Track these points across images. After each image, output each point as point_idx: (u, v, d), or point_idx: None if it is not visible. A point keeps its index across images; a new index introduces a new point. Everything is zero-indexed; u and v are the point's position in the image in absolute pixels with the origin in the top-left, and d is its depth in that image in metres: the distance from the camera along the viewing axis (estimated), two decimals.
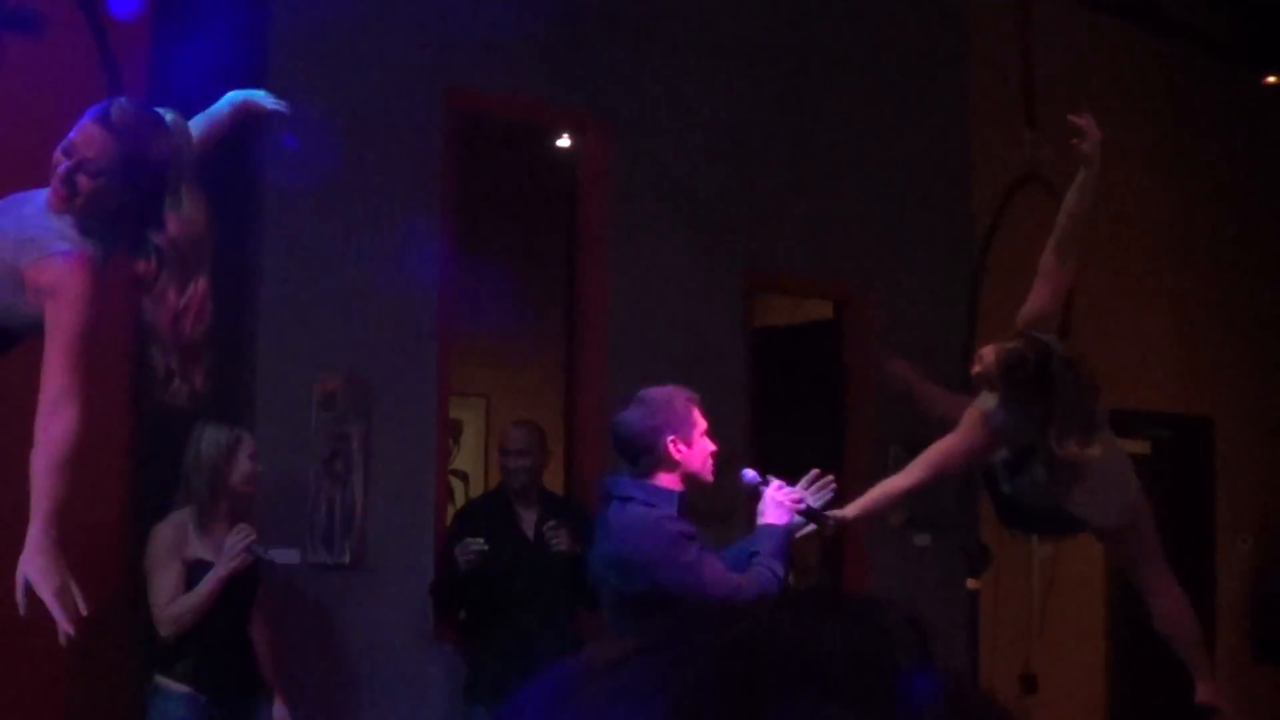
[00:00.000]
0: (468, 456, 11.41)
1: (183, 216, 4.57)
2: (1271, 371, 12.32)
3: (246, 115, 5.20)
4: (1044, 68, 9.99)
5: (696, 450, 5.77)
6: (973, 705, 0.82)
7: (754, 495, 5.94)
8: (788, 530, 5.79)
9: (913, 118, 10.19)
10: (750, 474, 5.97)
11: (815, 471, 6.04)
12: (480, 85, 8.58)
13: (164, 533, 6.75)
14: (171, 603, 6.59)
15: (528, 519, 7.79)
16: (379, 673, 7.92)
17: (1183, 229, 11.97)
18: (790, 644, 0.83)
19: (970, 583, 6.99)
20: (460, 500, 10.61)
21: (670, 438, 5.74)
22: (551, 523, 7.70)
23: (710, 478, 5.89)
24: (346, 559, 7.83)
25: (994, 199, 9.56)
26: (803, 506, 5.85)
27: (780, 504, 5.79)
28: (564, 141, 9.57)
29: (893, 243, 9.85)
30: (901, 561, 9.51)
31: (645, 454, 5.76)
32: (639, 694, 0.81)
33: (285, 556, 7.27)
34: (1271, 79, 12.37)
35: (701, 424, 5.81)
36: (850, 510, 6.50)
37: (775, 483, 5.87)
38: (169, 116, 4.54)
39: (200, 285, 4.71)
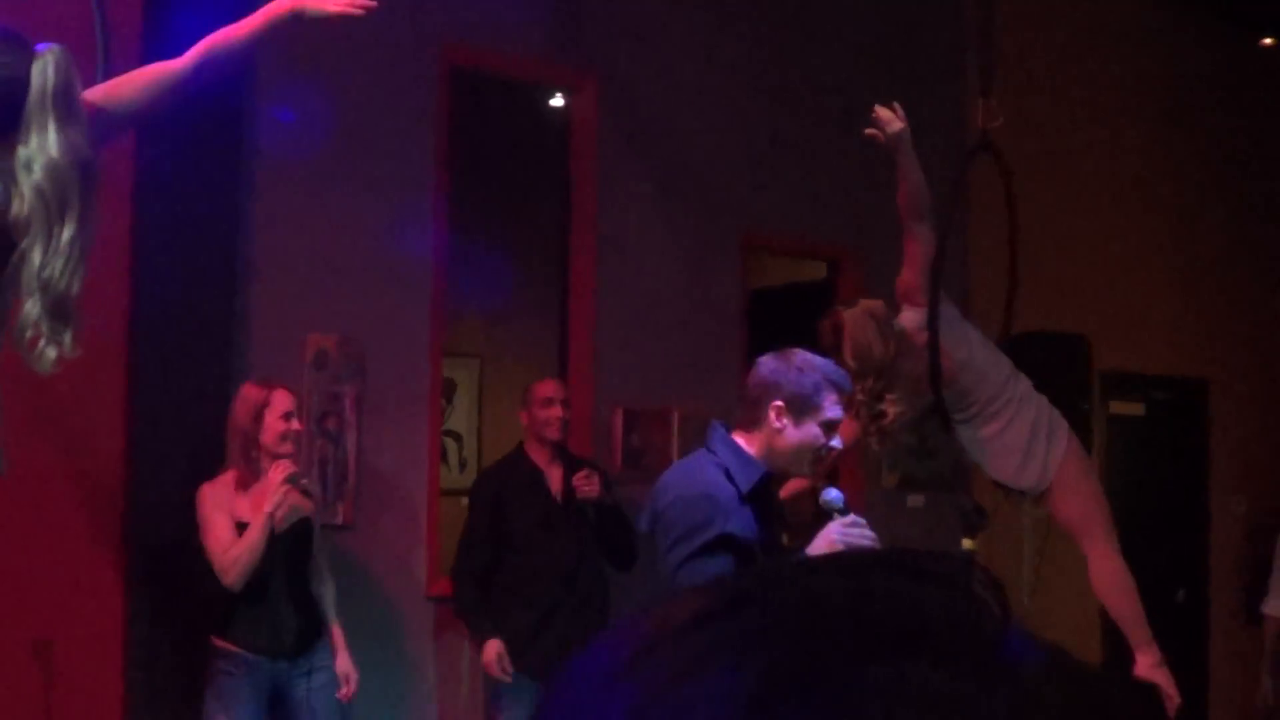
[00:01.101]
0: (461, 417, 11.40)
1: (49, 158, 4.21)
2: (1268, 334, 12.34)
3: (280, 27, 4.87)
4: (1044, 31, 9.96)
5: (803, 434, 5.22)
6: (1071, 666, 0.79)
7: (824, 516, 5.27)
8: None
9: (907, 80, 10.15)
10: (834, 494, 5.30)
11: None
12: (476, 42, 8.53)
13: (209, 491, 6.76)
14: (228, 550, 6.57)
15: (554, 478, 7.77)
16: (373, 633, 7.90)
17: (1180, 193, 11.96)
18: (884, 603, 0.79)
19: (965, 543, 6.96)
20: (454, 461, 10.60)
21: (778, 402, 5.20)
22: (584, 471, 7.70)
23: (804, 476, 5.70)
24: (339, 519, 7.81)
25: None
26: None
27: (834, 543, 5.10)
28: (558, 100, 9.54)
29: (885, 204, 9.79)
30: (896, 523, 9.50)
31: (750, 406, 5.26)
32: (724, 657, 0.77)
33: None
34: (1268, 41, 12.35)
35: (830, 414, 5.22)
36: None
37: (852, 517, 5.20)
38: (51, 47, 4.28)
39: (67, 234, 4.30)
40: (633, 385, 8.80)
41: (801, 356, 5.28)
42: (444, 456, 9.72)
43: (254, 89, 7.78)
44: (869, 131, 6.84)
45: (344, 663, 6.94)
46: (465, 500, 8.18)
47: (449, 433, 10.65)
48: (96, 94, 4.49)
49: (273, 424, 6.79)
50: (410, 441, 8.12)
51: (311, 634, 6.88)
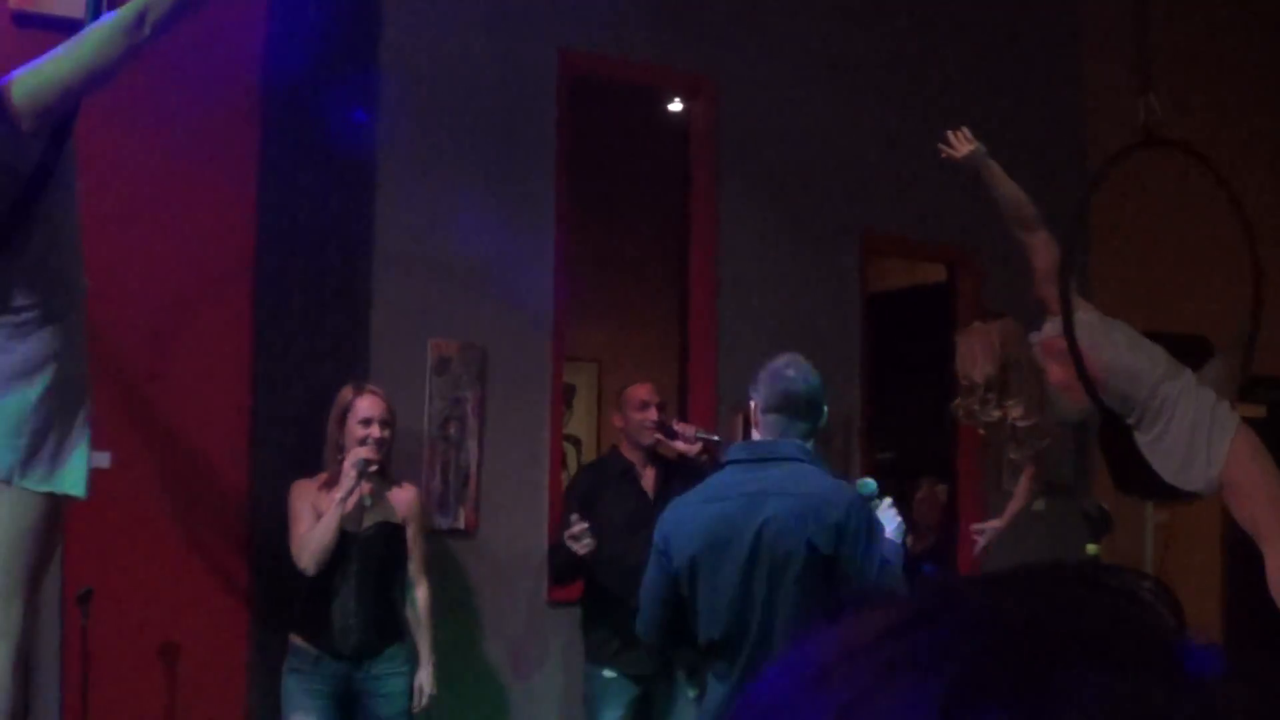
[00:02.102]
0: (580, 421, 11.41)
1: None
2: None
3: None
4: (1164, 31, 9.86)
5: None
6: (1257, 675, 0.78)
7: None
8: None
9: (1026, 78, 10.10)
10: (870, 484, 5.75)
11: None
12: (593, 49, 8.55)
13: (299, 487, 6.87)
14: (301, 536, 6.66)
15: (648, 477, 7.77)
16: (494, 637, 7.94)
17: None
18: (1064, 614, 0.79)
19: (1090, 548, 6.90)
20: (573, 465, 10.61)
21: (824, 408, 5.61)
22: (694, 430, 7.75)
23: None
24: (461, 524, 7.85)
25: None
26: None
27: (899, 524, 5.57)
28: (675, 105, 9.54)
29: None
30: (1016, 526, 9.41)
31: (811, 417, 5.50)
32: (914, 668, 0.77)
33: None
34: None
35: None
36: None
37: (888, 500, 5.65)
38: None
39: None
40: None
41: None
42: (563, 461, 9.74)
43: (378, 97, 7.84)
44: (944, 153, 6.93)
45: (424, 676, 6.96)
46: None
47: (568, 437, 10.66)
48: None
49: (352, 428, 6.85)
50: (531, 446, 8.14)
51: (379, 640, 6.87)
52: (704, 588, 5.50)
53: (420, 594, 7.03)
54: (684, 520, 5.60)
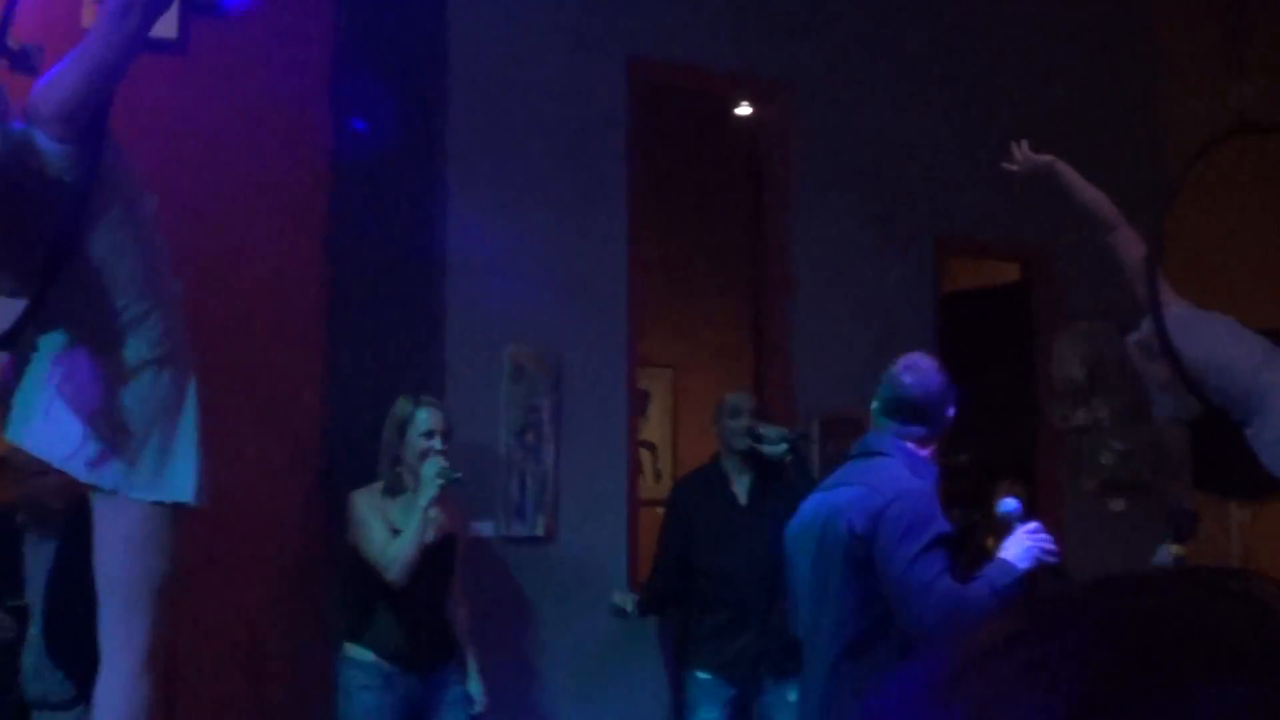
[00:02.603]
0: (655, 427, 11.40)
1: None
2: None
3: None
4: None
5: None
6: None
7: (1004, 526, 5.47)
8: (1022, 577, 5.26)
9: (1101, 73, 10.04)
10: (1012, 504, 5.49)
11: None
12: (662, 56, 8.55)
13: (360, 497, 6.84)
14: (389, 546, 6.63)
15: (742, 485, 7.78)
16: (574, 644, 7.94)
17: None
18: (1194, 621, 0.78)
19: (1174, 549, 6.83)
20: (649, 471, 10.61)
21: (951, 410, 5.49)
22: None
23: None
24: (540, 531, 7.86)
25: (1188, 154, 9.38)
26: (1053, 560, 5.33)
27: (1028, 549, 5.26)
28: (745, 110, 9.53)
29: None
30: (1097, 528, 9.37)
31: (924, 420, 5.41)
32: (1040, 679, 0.76)
33: (479, 529, 7.30)
34: None
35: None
36: None
37: (1034, 525, 5.36)
38: None
39: None
40: (828, 392, 8.75)
41: (926, 361, 5.55)
42: (640, 467, 9.74)
43: (448, 108, 7.86)
44: (1009, 168, 6.95)
45: (475, 686, 6.97)
46: (661, 510, 8.21)
47: (643, 443, 10.65)
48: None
49: (413, 440, 6.84)
50: (608, 453, 8.14)
51: (444, 650, 6.90)
52: (793, 576, 5.61)
53: (464, 609, 7.06)
54: (796, 514, 5.71)
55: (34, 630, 6.98)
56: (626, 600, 7.81)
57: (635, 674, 8.10)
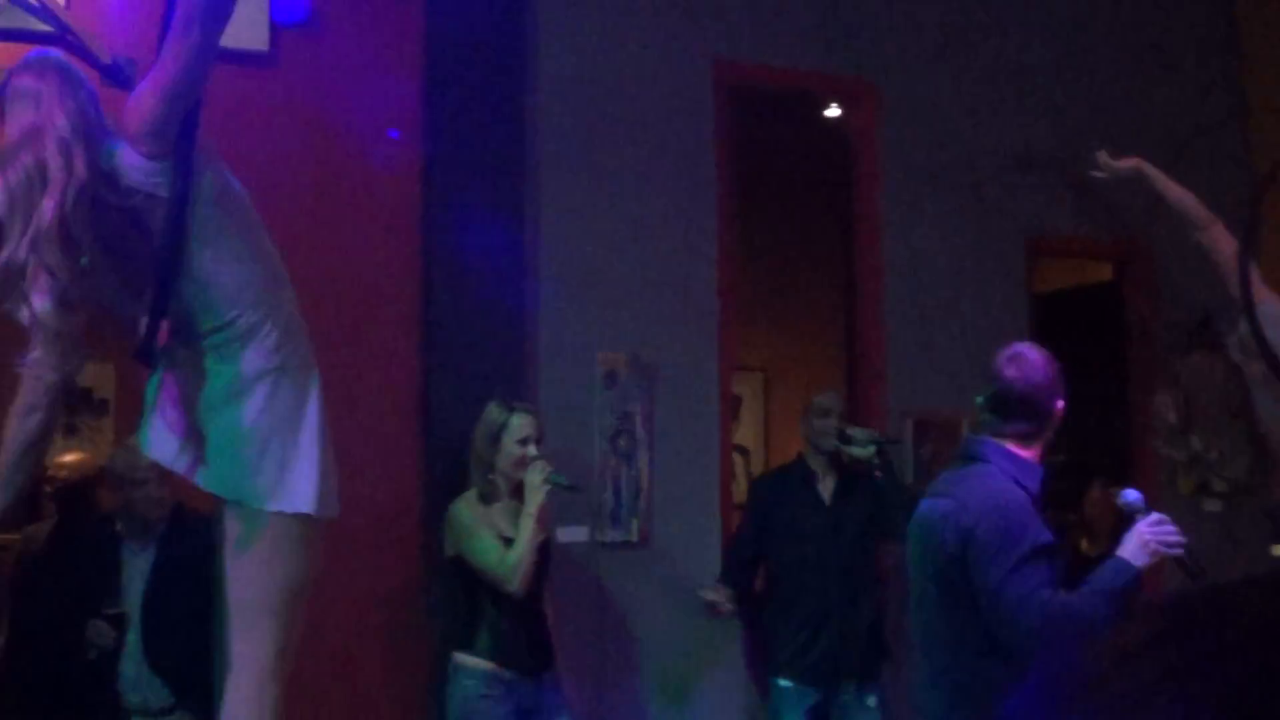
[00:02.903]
0: (747, 431, 11.38)
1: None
2: None
3: None
4: None
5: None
6: None
7: (1127, 518, 5.22)
8: (1140, 574, 5.08)
9: (1187, 69, 9.95)
10: (1132, 495, 5.24)
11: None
12: (749, 57, 8.54)
13: (464, 507, 6.83)
14: (505, 556, 6.63)
15: (827, 485, 7.76)
16: (667, 648, 7.93)
17: None
18: None
19: (1276, 550, 6.74)
20: (741, 475, 10.60)
21: (1059, 402, 5.26)
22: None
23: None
24: (634, 536, 7.86)
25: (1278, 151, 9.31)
26: (1179, 552, 5.08)
27: (1146, 543, 5.04)
28: (834, 111, 9.50)
29: None
30: (1192, 530, 9.27)
31: (1028, 416, 5.22)
32: (1179, 682, 0.75)
33: (573, 535, 7.30)
34: None
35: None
36: None
37: (1155, 516, 5.13)
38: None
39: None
40: (921, 395, 8.71)
41: (1032, 351, 5.32)
42: (732, 472, 9.73)
43: (537, 112, 7.88)
44: (1094, 174, 7.02)
45: (567, 687, 6.97)
46: None
47: (736, 447, 10.64)
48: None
49: (508, 447, 6.83)
50: (701, 457, 8.12)
51: (549, 653, 6.89)
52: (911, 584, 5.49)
53: (551, 611, 7.04)
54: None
55: (132, 638, 7.04)
56: (718, 595, 7.79)
57: (725, 678, 8.08)
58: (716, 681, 8.08)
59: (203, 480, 3.93)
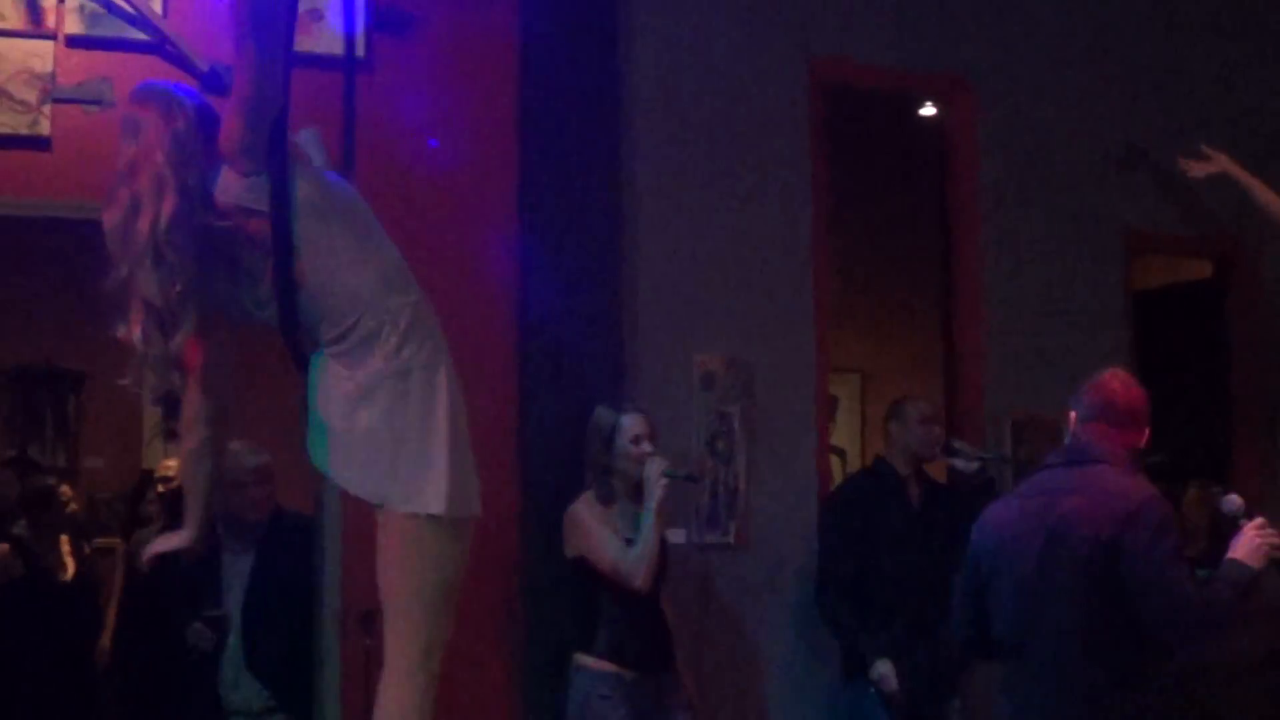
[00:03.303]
0: (843, 433, 11.35)
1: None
2: None
3: None
4: None
5: None
6: None
7: (1229, 521, 5.53)
8: (1256, 576, 5.26)
9: None
10: (1233, 501, 5.51)
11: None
12: (844, 55, 8.50)
13: (581, 508, 6.85)
14: (628, 552, 6.64)
15: (915, 491, 7.71)
16: (765, 651, 7.92)
17: None
18: None
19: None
20: (838, 477, 10.57)
21: (1147, 429, 5.56)
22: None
23: None
24: (731, 538, 7.85)
25: None
26: None
27: (1258, 546, 5.27)
28: (929, 110, 9.45)
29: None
30: None
31: (1133, 425, 5.52)
32: None
33: (672, 536, 7.28)
34: None
35: None
36: None
37: (1259, 520, 5.36)
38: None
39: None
40: (1020, 395, 8.65)
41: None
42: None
43: (631, 113, 7.88)
44: (1191, 175, 6.83)
45: (690, 684, 6.96)
46: None
47: (833, 449, 10.61)
48: None
49: (623, 447, 6.85)
50: (798, 459, 8.10)
51: (669, 652, 6.89)
52: (997, 587, 5.54)
53: (669, 608, 7.04)
54: (988, 519, 5.69)
55: (232, 640, 7.10)
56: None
57: (827, 679, 8.04)
58: (815, 682, 8.05)
59: (348, 484, 3.99)
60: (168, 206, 3.93)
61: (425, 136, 7.31)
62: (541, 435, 7.36)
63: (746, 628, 7.89)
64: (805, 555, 7.93)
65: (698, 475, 6.92)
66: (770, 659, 7.94)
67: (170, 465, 9.01)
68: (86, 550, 9.07)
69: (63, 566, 8.54)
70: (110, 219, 4.02)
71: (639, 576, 6.60)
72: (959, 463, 7.68)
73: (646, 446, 6.81)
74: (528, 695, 7.33)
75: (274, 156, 3.88)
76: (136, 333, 3.97)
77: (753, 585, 7.91)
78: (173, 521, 7.70)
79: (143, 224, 3.92)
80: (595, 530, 6.75)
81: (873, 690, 7.45)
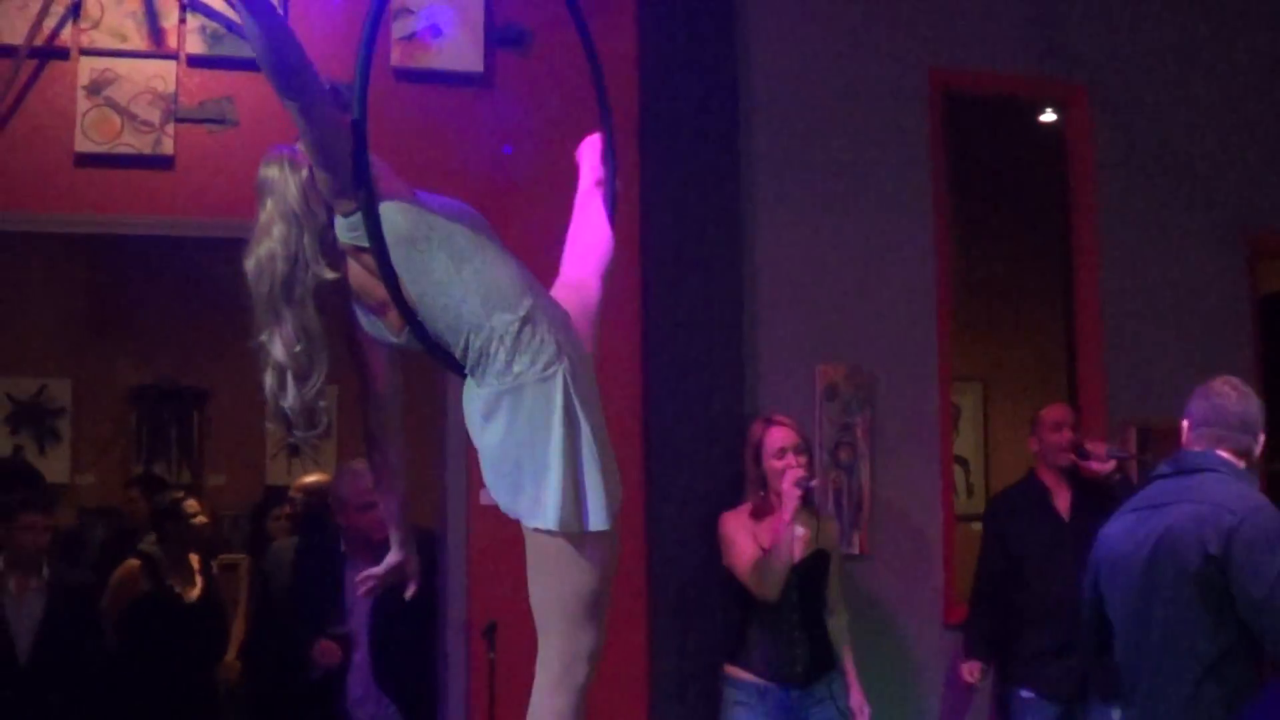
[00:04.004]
0: (966, 441, 11.27)
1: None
2: None
3: None
4: None
5: None
6: None
7: None
8: None
9: None
10: None
11: None
12: (964, 64, 8.46)
13: (729, 517, 6.92)
14: (758, 564, 6.66)
15: (1062, 499, 7.66)
16: (892, 662, 7.88)
17: None
18: None
19: None
20: (961, 486, 10.50)
21: (1262, 435, 5.46)
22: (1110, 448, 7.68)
23: None
24: (856, 549, 7.84)
25: None
26: None
27: None
28: (1049, 116, 9.38)
29: None
30: None
31: (1249, 433, 5.42)
32: None
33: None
34: None
35: None
36: None
37: None
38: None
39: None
40: (1143, 402, 8.57)
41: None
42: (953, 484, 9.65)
43: (751, 122, 7.88)
44: None
45: (857, 697, 6.91)
46: (975, 525, 8.11)
47: (957, 458, 10.54)
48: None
49: (768, 461, 6.86)
50: (922, 469, 8.07)
51: (822, 664, 6.85)
52: (1110, 598, 5.51)
53: (842, 618, 7.03)
54: (1105, 531, 5.65)
55: (358, 657, 7.13)
56: (970, 676, 7.65)
57: (955, 688, 8.00)
58: (941, 692, 8.01)
59: (496, 500, 4.03)
60: (286, 265, 3.98)
61: (543, 145, 7.32)
62: (666, 448, 7.37)
63: (873, 636, 7.83)
64: (930, 564, 7.90)
65: (810, 486, 6.92)
66: (898, 667, 7.90)
67: (305, 482, 9.09)
68: (214, 568, 9.13)
69: (191, 584, 8.60)
70: (250, 273, 4.05)
71: (763, 588, 6.63)
72: (1094, 464, 7.62)
73: (790, 459, 6.82)
74: (653, 704, 7.32)
75: (361, 188, 3.88)
76: (270, 384, 4.02)
77: (878, 594, 7.88)
78: (312, 537, 7.80)
79: (271, 288, 3.98)
80: (734, 540, 6.81)
81: (1023, 694, 7.42)
